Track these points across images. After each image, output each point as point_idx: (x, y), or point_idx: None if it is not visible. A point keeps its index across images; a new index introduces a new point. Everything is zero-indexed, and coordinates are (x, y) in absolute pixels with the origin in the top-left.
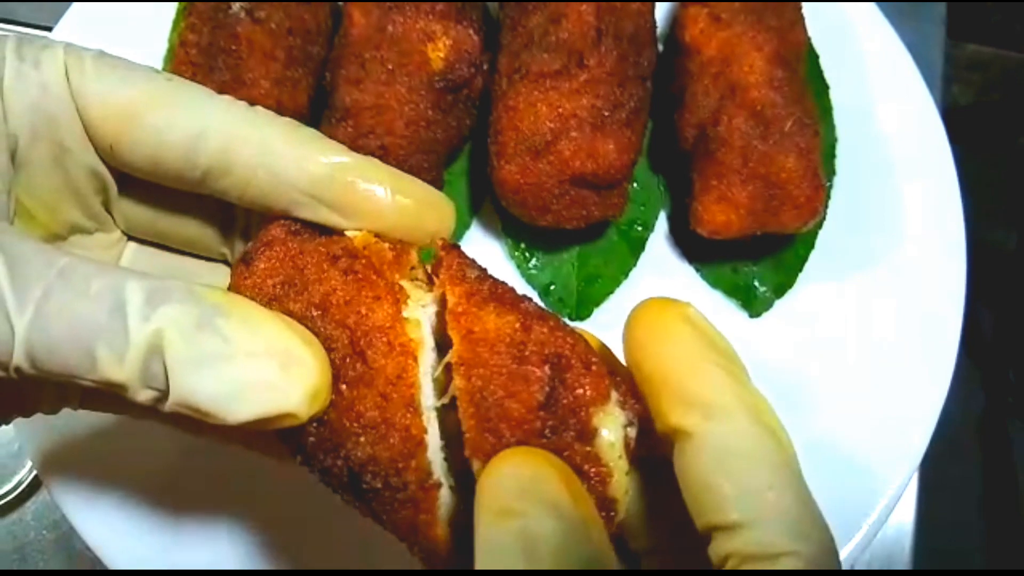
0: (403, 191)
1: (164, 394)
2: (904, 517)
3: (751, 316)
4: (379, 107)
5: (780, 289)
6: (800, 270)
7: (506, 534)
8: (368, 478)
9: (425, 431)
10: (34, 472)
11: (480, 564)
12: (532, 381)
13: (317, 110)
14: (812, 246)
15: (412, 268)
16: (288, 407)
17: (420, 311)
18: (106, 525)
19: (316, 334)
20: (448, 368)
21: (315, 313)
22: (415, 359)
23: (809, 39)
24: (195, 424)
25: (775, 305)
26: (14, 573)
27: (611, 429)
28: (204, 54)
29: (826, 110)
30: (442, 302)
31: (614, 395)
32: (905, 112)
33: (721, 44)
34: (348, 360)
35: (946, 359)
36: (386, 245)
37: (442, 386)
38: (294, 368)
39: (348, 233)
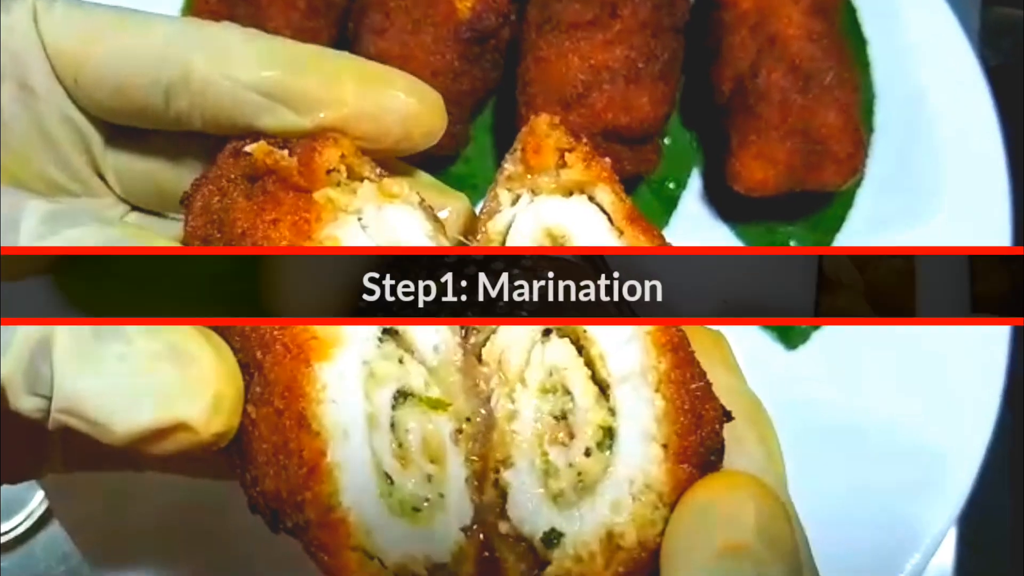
0: (366, 77)
1: (50, 405)
2: (943, 564)
3: None
4: (404, 57)
5: None
6: (838, 231)
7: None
8: (282, 516)
9: (323, 454)
10: (45, 504)
11: None
12: (712, 396)
13: None
14: (851, 205)
15: (331, 171)
16: (183, 416)
17: (350, 224)
18: (117, 558)
19: None
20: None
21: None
22: (308, 363)
23: None
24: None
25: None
26: None
27: None
28: (224, 2)
29: (864, 65)
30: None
31: None
32: (946, 67)
33: None
34: (255, 375)
35: (995, 378)
36: (284, 152)
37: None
38: (191, 368)
39: (247, 148)
